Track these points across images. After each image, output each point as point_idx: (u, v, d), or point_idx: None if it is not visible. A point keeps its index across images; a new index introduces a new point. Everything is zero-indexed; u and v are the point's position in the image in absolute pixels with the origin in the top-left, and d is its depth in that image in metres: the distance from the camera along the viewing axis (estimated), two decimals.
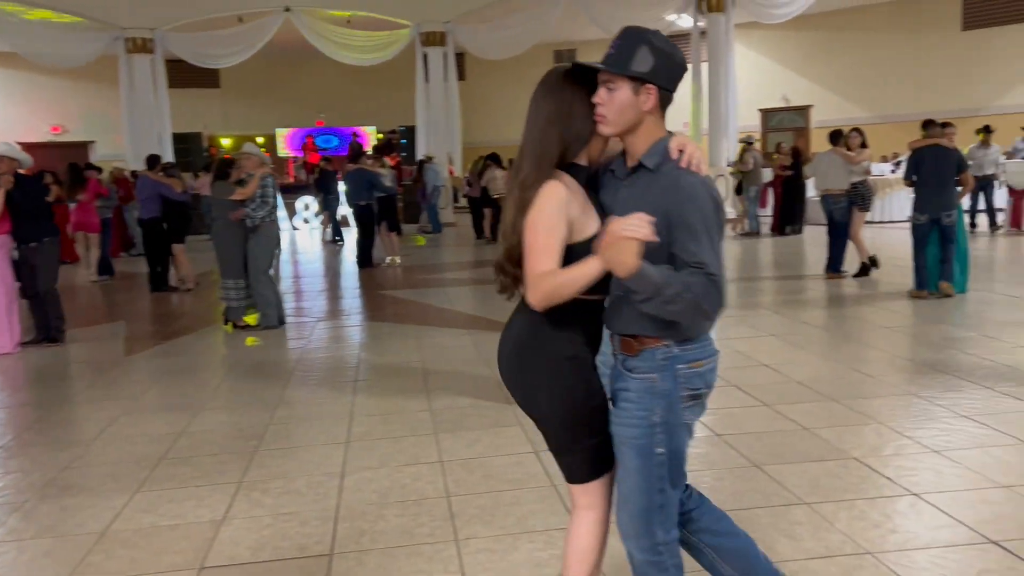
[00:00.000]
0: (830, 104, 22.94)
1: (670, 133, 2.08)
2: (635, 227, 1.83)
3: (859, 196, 9.22)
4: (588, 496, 2.21)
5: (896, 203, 15.94)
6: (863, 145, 9.28)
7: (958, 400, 4.68)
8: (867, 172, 9.27)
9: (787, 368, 5.58)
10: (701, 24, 17.31)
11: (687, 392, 2.07)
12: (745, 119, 20.58)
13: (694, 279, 1.90)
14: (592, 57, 2.16)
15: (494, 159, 15.55)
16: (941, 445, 3.99)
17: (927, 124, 8.19)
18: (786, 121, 24.31)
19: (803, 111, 23.91)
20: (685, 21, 18.25)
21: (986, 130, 13.13)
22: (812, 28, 21.96)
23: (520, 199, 2.05)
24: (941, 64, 21.24)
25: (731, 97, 17.06)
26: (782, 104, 24.03)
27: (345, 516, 3.51)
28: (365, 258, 12.19)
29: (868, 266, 9.26)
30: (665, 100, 2.03)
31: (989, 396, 4.73)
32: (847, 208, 9.26)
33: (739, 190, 14.87)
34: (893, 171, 16.84)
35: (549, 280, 1.99)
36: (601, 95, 2.02)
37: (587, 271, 1.95)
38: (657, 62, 1.97)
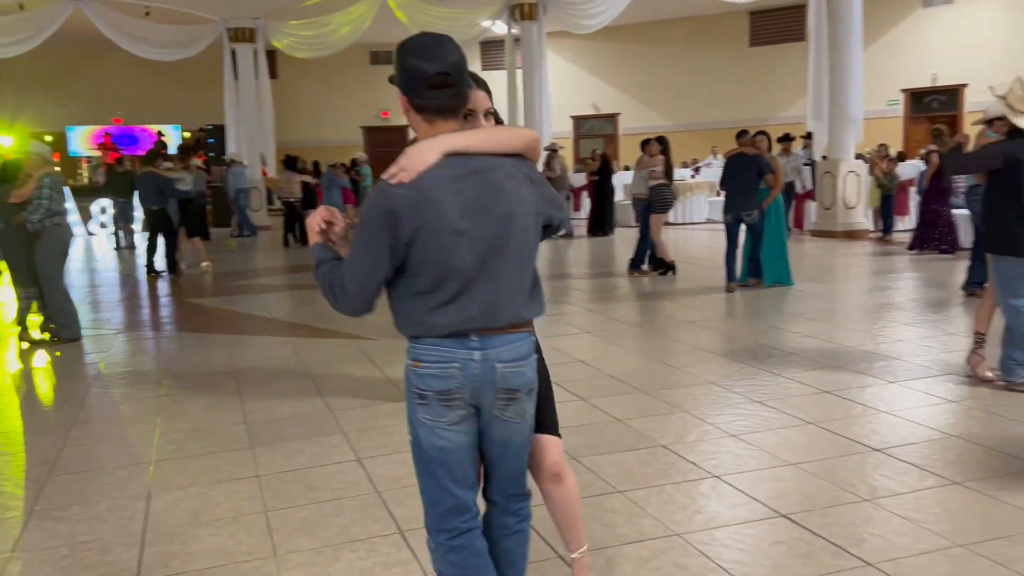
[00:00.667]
0: (637, 112, 24.25)
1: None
2: (313, 217, 2.14)
3: (655, 200, 9.79)
4: None
5: (696, 206, 17.10)
6: (663, 153, 9.84)
7: (752, 387, 5.09)
8: (657, 177, 9.65)
9: (601, 363, 5.84)
10: (515, 31, 17.74)
11: (414, 389, 2.07)
12: (558, 125, 21.32)
13: (332, 275, 2.07)
14: None
15: (287, 163, 15.09)
16: (738, 429, 4.33)
17: (740, 135, 8.90)
18: (596, 128, 25.44)
19: (612, 119, 25.11)
20: (500, 28, 18.63)
21: (786, 138, 13.91)
22: (619, 39, 23.11)
23: None
24: (732, 77, 22.98)
25: (544, 103, 17.60)
26: (592, 112, 25.11)
27: (153, 540, 3.29)
28: (170, 264, 11.51)
29: (668, 266, 9.87)
30: (422, 106, 2.00)
31: (778, 382, 5.18)
32: (645, 211, 9.89)
33: None
34: (693, 176, 18.03)
35: None
36: None
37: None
38: (399, 71, 2.01)
